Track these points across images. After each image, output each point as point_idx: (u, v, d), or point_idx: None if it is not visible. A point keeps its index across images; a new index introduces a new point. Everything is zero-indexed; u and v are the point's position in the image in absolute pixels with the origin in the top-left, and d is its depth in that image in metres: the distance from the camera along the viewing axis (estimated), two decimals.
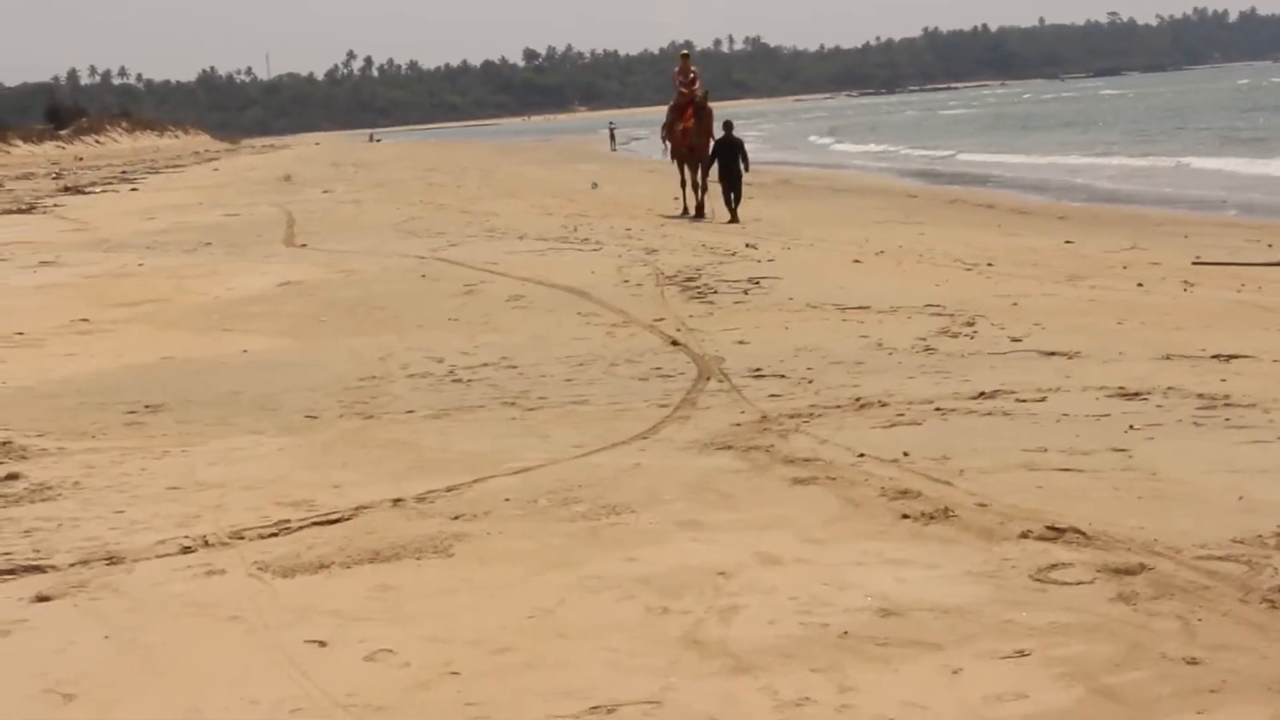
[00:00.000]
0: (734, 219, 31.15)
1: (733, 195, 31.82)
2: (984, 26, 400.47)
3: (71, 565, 8.03)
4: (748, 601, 6.98)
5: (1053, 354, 13.37)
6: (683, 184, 34.37)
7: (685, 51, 36.75)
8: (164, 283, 21.42)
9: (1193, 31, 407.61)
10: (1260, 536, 7.55)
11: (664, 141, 35.81)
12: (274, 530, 8.58)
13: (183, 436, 11.42)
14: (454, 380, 13.39)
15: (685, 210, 33.78)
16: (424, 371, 13.87)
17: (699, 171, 33.44)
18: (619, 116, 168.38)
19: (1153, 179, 45.86)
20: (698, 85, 34.48)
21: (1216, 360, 12.75)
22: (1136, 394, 11.40)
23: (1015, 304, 16.62)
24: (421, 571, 7.74)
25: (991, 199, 40.46)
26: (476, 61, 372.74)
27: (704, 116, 33.43)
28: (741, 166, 31.81)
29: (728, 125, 32.52)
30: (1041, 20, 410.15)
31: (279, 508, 9.08)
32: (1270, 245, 23.56)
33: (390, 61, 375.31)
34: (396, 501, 9.14)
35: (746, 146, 32.77)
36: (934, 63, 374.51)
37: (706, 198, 33.11)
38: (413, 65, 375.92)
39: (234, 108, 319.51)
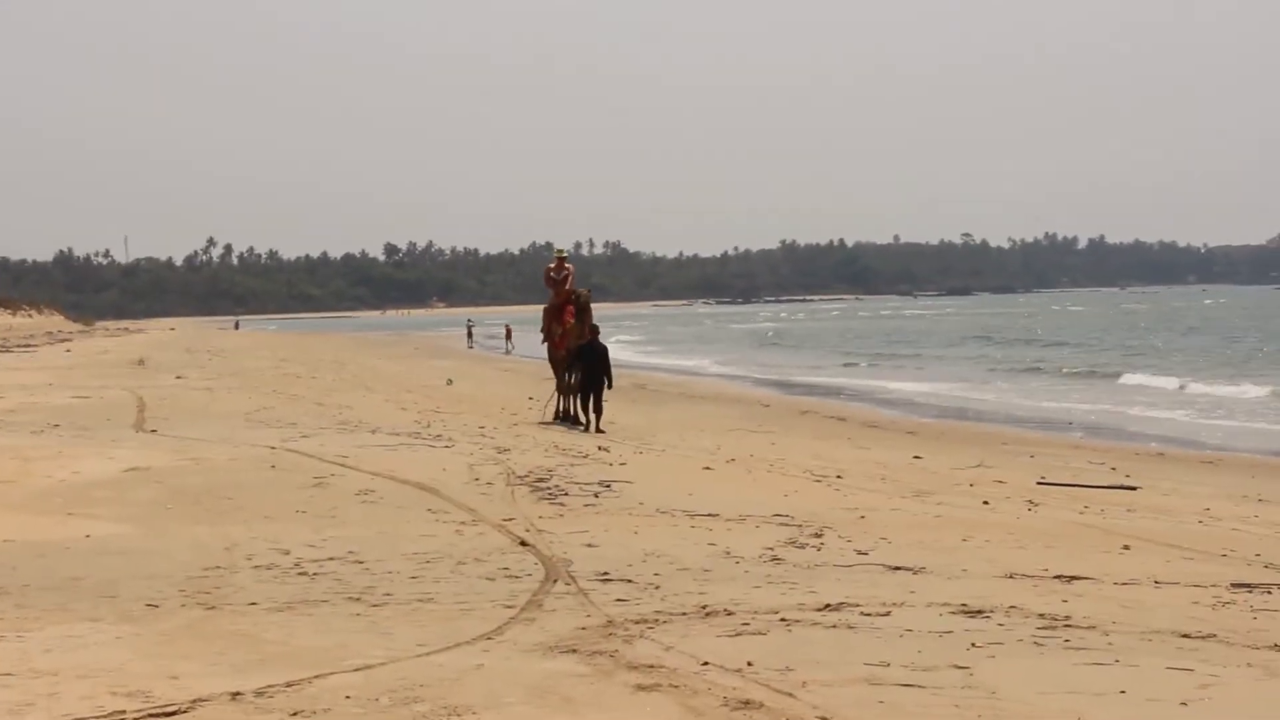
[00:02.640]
0: (596, 429, 29.71)
1: (593, 403, 30.40)
2: (840, 241, 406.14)
3: None
4: None
5: (898, 568, 13.50)
6: (558, 389, 32.81)
7: (562, 251, 35.20)
8: (8, 463, 21.07)
9: (1043, 256, 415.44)
10: None
11: (543, 344, 34.30)
12: None
13: (19, 621, 11.20)
14: (299, 573, 13.26)
15: (559, 415, 32.25)
16: (269, 563, 13.73)
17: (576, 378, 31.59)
18: (477, 313, 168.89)
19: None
20: (570, 283, 33.41)
21: (1058, 580, 12.94)
22: (979, 612, 11.52)
23: (863, 517, 16.78)
24: None
25: (844, 411, 40.96)
26: (336, 253, 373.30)
27: (585, 317, 32.17)
28: (606, 371, 30.48)
29: (594, 329, 31.54)
30: (896, 238, 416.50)
31: (114, 698, 8.92)
32: (1113, 468, 23.99)
33: (250, 249, 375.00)
34: (235, 695, 9.00)
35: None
36: (790, 274, 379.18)
37: (572, 400, 31.69)
38: (272, 254, 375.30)
39: (90, 289, 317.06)
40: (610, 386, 30.73)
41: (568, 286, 33.37)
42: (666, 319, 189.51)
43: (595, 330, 31.48)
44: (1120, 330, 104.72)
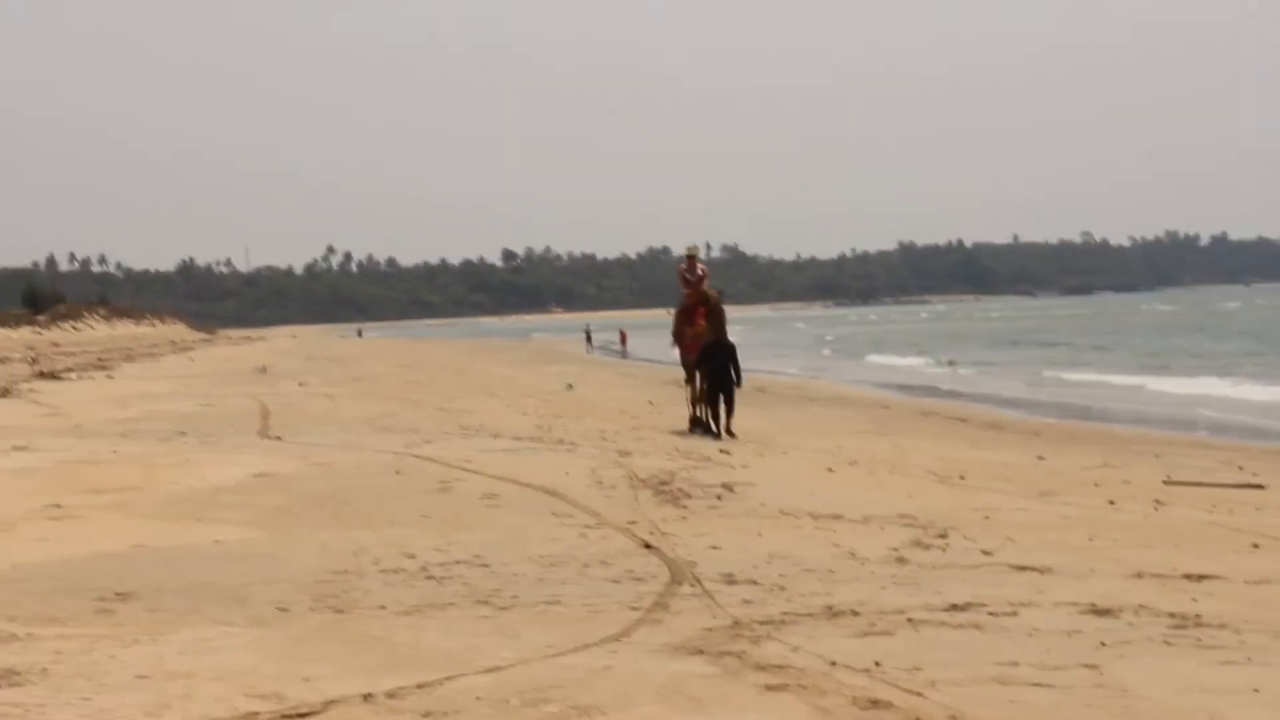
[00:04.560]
0: (726, 431, 28.74)
1: (724, 405, 29.26)
2: (959, 241, 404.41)
3: None
4: None
5: (1024, 568, 13.41)
6: (692, 398, 30.96)
7: (694, 248, 33.14)
8: (136, 470, 21.36)
9: (1164, 253, 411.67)
10: None
11: (673, 348, 32.63)
12: None
13: (153, 625, 11.35)
14: (426, 577, 13.35)
15: (695, 423, 30.50)
16: (396, 567, 13.83)
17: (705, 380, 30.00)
18: (595, 319, 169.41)
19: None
20: (706, 284, 31.79)
21: (1187, 579, 12.81)
22: (1108, 611, 11.43)
23: (987, 517, 16.69)
24: None
25: (965, 413, 40.76)
26: (455, 260, 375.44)
27: (716, 318, 30.36)
28: (733, 374, 29.31)
29: (720, 327, 30.02)
30: (1015, 237, 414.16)
31: (248, 699, 9.03)
32: (1241, 467, 23.74)
33: (369, 257, 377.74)
34: (367, 697, 9.08)
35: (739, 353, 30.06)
36: (908, 276, 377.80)
37: (703, 407, 30.09)
38: (390, 262, 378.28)
39: (211, 298, 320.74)
40: (739, 385, 29.58)
41: (703, 285, 31.85)
42: (761, 324, 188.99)
43: (723, 329, 30.00)
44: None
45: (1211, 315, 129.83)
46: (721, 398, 29.40)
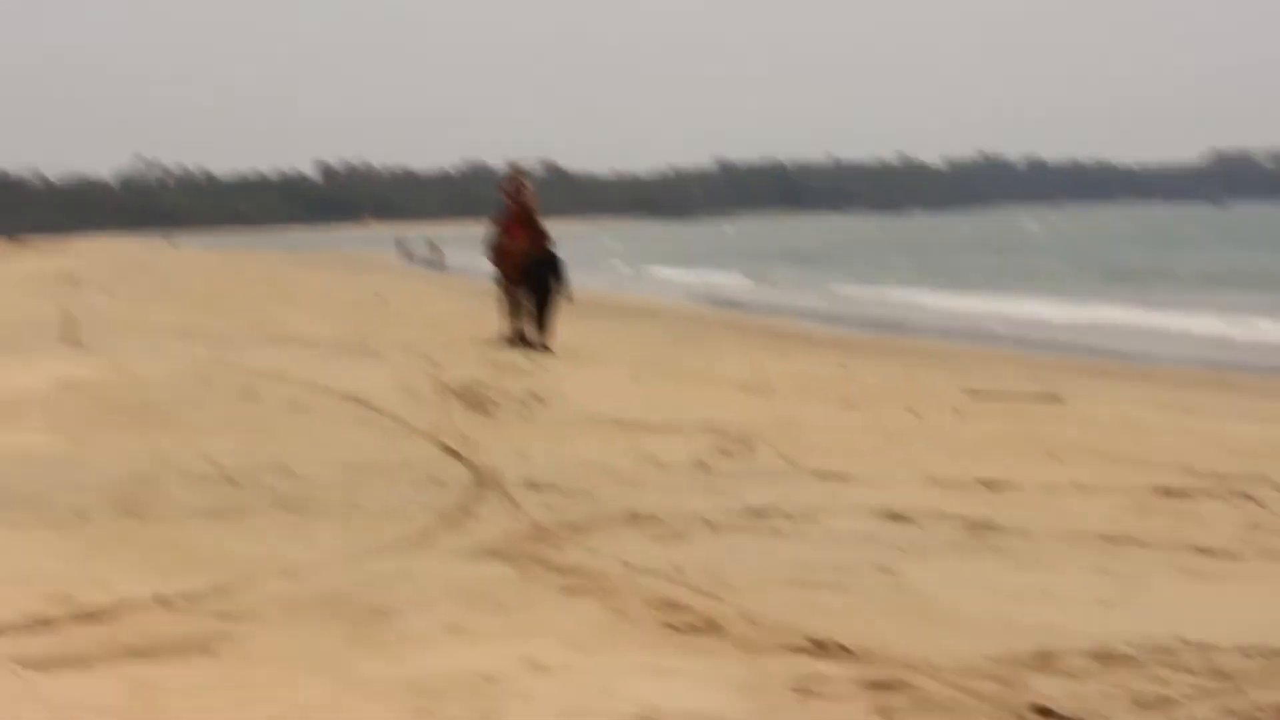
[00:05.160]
0: (546, 344, 28.13)
1: (547, 317, 28.66)
2: (776, 160, 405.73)
3: None
4: (512, 707, 6.98)
5: (825, 475, 13.55)
6: (504, 307, 30.11)
7: (515, 165, 32.48)
8: None
9: (978, 175, 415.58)
10: (1017, 656, 7.72)
11: (489, 260, 31.16)
12: (33, 625, 8.42)
13: None
14: (229, 483, 13.24)
15: (507, 337, 29.54)
16: (199, 473, 13.70)
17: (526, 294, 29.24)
18: (411, 231, 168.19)
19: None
20: (526, 197, 30.42)
21: (983, 486, 13.02)
22: (904, 517, 11.59)
23: (790, 426, 16.84)
24: (183, 670, 7.65)
25: (774, 324, 41.10)
26: (270, 171, 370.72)
27: (535, 229, 29.67)
28: (554, 284, 28.72)
29: (545, 237, 29.31)
30: (831, 156, 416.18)
31: (40, 602, 8.90)
32: (1041, 380, 24.13)
33: (181, 167, 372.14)
34: (161, 599, 9.02)
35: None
36: (727, 193, 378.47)
37: (524, 319, 29.24)
38: (203, 171, 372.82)
39: (19, 207, 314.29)
40: (567, 299, 29.08)
41: (524, 199, 30.58)
42: (616, 236, 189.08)
43: (546, 238, 29.45)
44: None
45: (1013, 234, 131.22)
46: (545, 309, 28.88)
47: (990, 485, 13.08)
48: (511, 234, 29.92)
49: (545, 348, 27.89)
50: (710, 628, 8.31)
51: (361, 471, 13.73)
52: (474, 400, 18.91)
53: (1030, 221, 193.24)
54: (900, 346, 34.10)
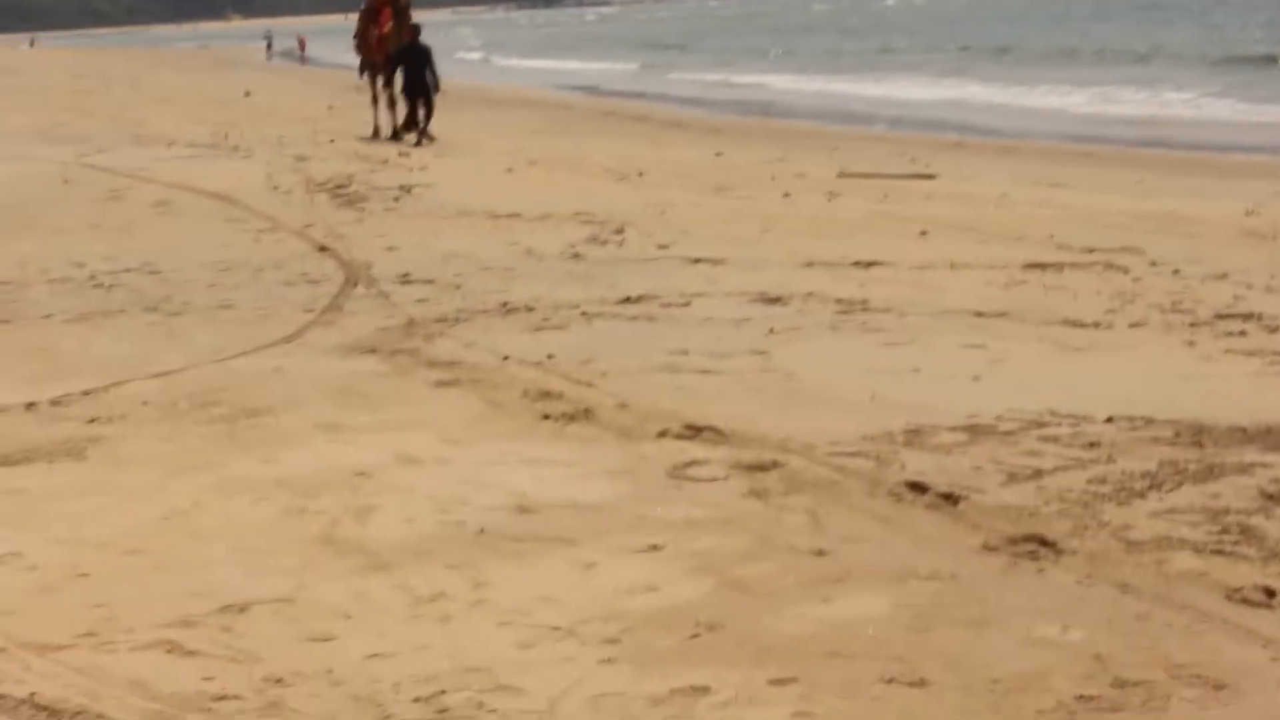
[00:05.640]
0: (422, 136, 27.52)
1: (421, 109, 27.93)
2: None
3: None
4: (385, 501, 6.96)
5: (698, 261, 13.53)
6: (374, 100, 29.55)
7: None
8: None
9: None
10: (890, 433, 7.77)
11: (357, 53, 30.50)
12: None
13: None
14: (95, 285, 13.08)
15: (377, 132, 29.05)
16: (64, 277, 13.52)
17: (393, 84, 28.59)
18: (276, 25, 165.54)
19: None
20: None
21: (856, 267, 13.05)
22: (778, 299, 11.61)
23: (663, 213, 16.78)
24: (53, 475, 7.58)
25: (646, 112, 40.84)
26: None
27: (404, 19, 28.80)
28: (430, 76, 27.76)
29: (414, 29, 28.54)
30: None
31: None
32: (913, 159, 24.16)
33: None
34: (30, 405, 8.92)
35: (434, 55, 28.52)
36: None
37: (396, 112, 28.70)
38: None
39: None
40: (437, 90, 28.27)
41: None
42: (477, 25, 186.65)
43: (416, 30, 28.58)
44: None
45: (869, 15, 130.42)
46: (419, 101, 28.36)
47: (863, 265, 13.09)
48: (380, 25, 29.34)
49: (427, 137, 27.42)
50: (585, 416, 8.31)
51: (231, 271, 13.59)
52: (344, 196, 18.71)
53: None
54: (774, 130, 33.94)
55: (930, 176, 21.22)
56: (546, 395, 8.78)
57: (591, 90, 55.12)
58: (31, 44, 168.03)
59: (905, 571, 5.94)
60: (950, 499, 6.72)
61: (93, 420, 8.55)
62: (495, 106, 42.41)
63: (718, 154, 25.84)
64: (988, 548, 6.16)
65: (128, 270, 13.72)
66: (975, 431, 7.80)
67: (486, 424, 8.28)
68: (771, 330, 10.52)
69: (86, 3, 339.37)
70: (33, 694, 5.07)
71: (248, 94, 47.44)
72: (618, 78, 62.97)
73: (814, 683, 5.00)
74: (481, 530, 6.53)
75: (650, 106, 43.73)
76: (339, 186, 19.57)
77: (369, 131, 28.96)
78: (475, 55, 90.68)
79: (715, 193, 19.21)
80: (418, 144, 26.94)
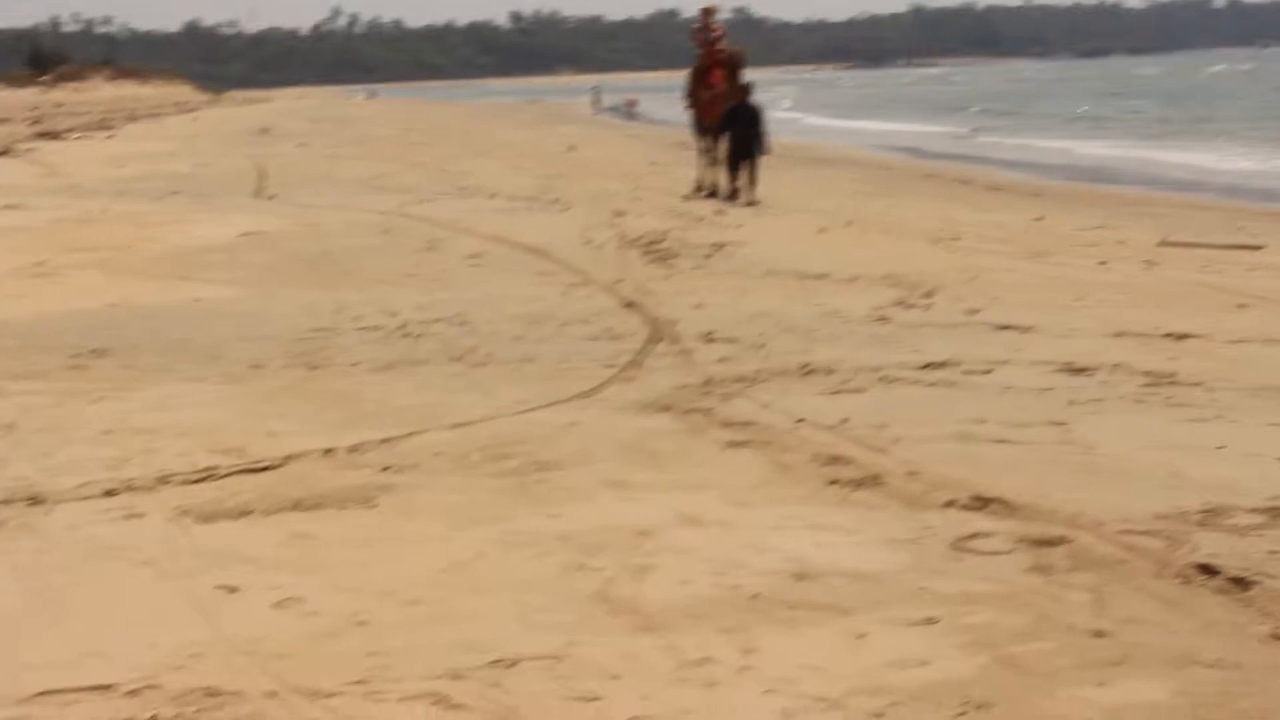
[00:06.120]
0: (748, 198, 26.82)
1: (746, 171, 27.24)
2: (970, 4, 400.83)
3: None
4: (663, 561, 6.95)
5: (1006, 328, 13.32)
6: (706, 160, 28.90)
7: (709, 7, 29.97)
8: (126, 230, 21.29)
9: (1178, 16, 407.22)
10: (1185, 512, 7.54)
11: (687, 110, 30.03)
12: (200, 476, 8.54)
13: (124, 382, 11.34)
14: (404, 335, 13.32)
15: (701, 189, 28.65)
16: (375, 325, 13.79)
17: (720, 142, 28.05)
18: (604, 80, 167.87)
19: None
20: (722, 44, 29.22)
21: (1168, 339, 12.73)
22: (1083, 369, 11.37)
23: (975, 278, 16.58)
24: (343, 522, 7.71)
25: (968, 175, 40.46)
26: (462, 22, 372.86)
27: (735, 78, 28.32)
28: (758, 138, 27.15)
29: (745, 88, 28.01)
30: (1027, 0, 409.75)
31: (209, 454, 9.03)
32: (1241, 228, 23.58)
33: (376, 18, 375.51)
34: (328, 451, 9.09)
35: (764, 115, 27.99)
36: (919, 38, 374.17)
37: (721, 171, 28.13)
38: (397, 23, 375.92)
39: (217, 60, 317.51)
40: (765, 152, 27.58)
41: (718, 46, 29.41)
42: (800, 84, 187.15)
43: (747, 90, 28.07)
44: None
45: (1194, 83, 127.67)
46: (745, 164, 28.04)
47: (1175, 337, 12.78)
48: (710, 83, 29.27)
49: (750, 200, 27.17)
50: (872, 482, 8.21)
51: (538, 324, 13.73)
52: (656, 252, 18.82)
53: (1237, 63, 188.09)
54: (1098, 195, 33.37)
55: (1257, 247, 20.65)
56: (836, 460, 8.70)
57: (915, 152, 54.87)
58: (370, 95, 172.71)
59: (1188, 658, 5.74)
60: (1241, 584, 6.49)
61: (386, 469, 8.69)
62: (818, 165, 42.36)
63: (1037, 219, 25.48)
64: (1277, 637, 5.93)
65: (438, 320, 13.95)
66: (1276, 514, 7.53)
67: (772, 487, 8.23)
68: (1073, 402, 10.29)
69: (422, 56, 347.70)
70: None
71: (571, 148, 48.14)
72: (940, 140, 62.55)
73: None
74: (756, 595, 6.48)
75: (972, 169, 43.35)
76: (652, 242, 19.69)
77: (691, 189, 28.95)
78: (785, 114, 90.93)
79: (1031, 258, 18.93)
80: (746, 203, 26.72)
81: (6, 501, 8.04)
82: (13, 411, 10.26)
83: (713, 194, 28.09)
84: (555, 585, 6.68)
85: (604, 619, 6.26)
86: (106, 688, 5.66)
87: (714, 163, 28.70)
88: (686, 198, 27.86)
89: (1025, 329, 13.26)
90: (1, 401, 10.61)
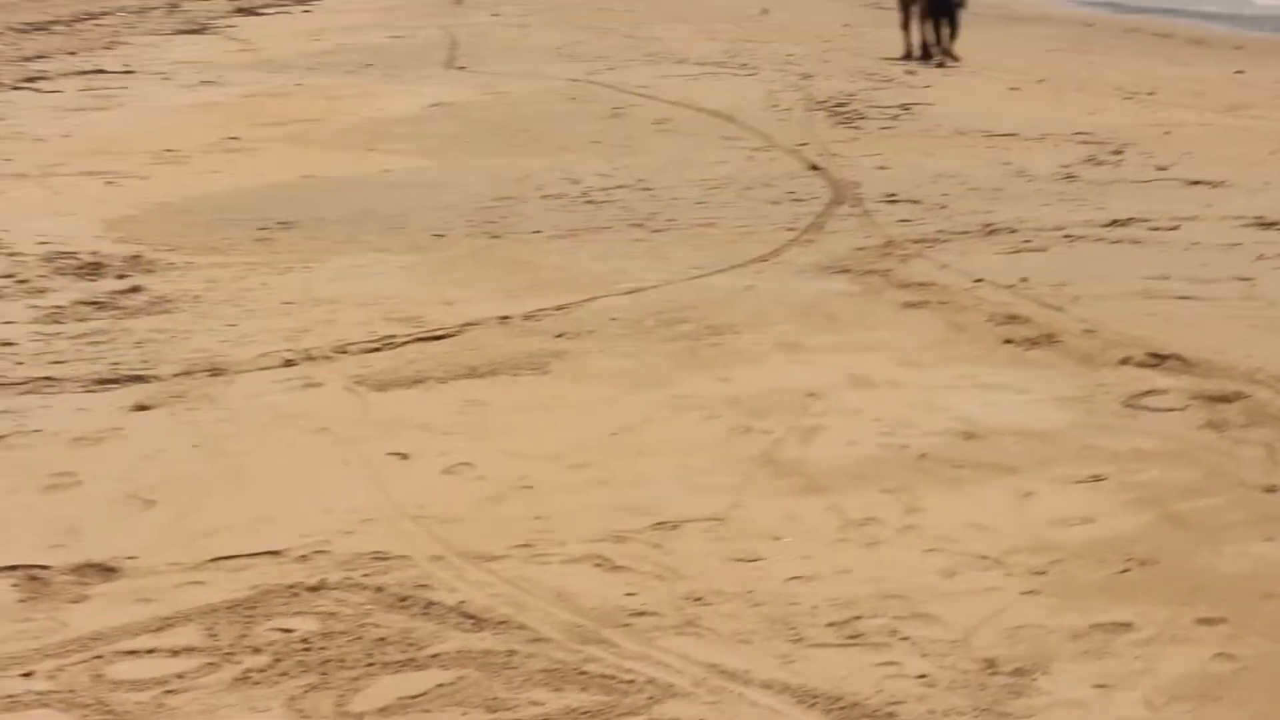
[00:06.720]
0: (947, 56, 25.93)
1: (946, 28, 26.20)
2: None
3: (175, 376, 8.15)
4: (831, 423, 6.94)
5: (1196, 183, 13.07)
6: (904, 23, 27.46)
7: None
8: (318, 103, 21.44)
9: None
10: None
11: None
12: (377, 345, 8.65)
13: (309, 253, 11.47)
14: (586, 202, 13.33)
15: (908, 53, 27.08)
16: (558, 193, 13.81)
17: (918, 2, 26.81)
18: None
19: None
20: None
21: None
22: (1274, 224, 11.15)
23: (1168, 133, 16.25)
24: (515, 388, 7.78)
25: (1169, 29, 39.51)
26: None
27: None
28: None
29: None
30: None
31: (387, 323, 9.14)
32: None
33: None
34: (504, 319, 9.15)
35: None
36: None
37: (922, 30, 26.81)
38: None
39: None
40: (963, 7, 26.38)
41: None
42: None
43: None
44: None
45: None
46: (943, 21, 27.60)
47: None
48: None
49: (952, 57, 26.64)
50: (1047, 340, 8.15)
51: (720, 189, 13.68)
52: (842, 114, 18.63)
53: None
54: None
55: None
56: (1012, 319, 8.61)
57: (1115, 6, 53.69)
58: None
59: None
60: None
61: (560, 335, 8.74)
62: (1013, 23, 41.55)
63: (1238, 72, 24.87)
64: None
65: (620, 187, 13.94)
66: None
67: (946, 347, 8.18)
68: (1261, 256, 10.09)
69: None
70: (461, 602, 5.22)
71: (764, 11, 47.64)
72: None
73: (1243, 624, 4.81)
74: (923, 455, 6.45)
75: (1175, 23, 42.34)
76: (838, 105, 19.49)
77: (894, 53, 28.27)
78: None
79: (1227, 112, 18.49)
80: (939, 65, 26.29)
81: (188, 373, 8.20)
82: (199, 285, 10.42)
83: (918, 54, 27.45)
84: (721, 448, 6.70)
85: (769, 481, 6.28)
86: (278, 553, 5.78)
87: (911, 22, 28.06)
88: (877, 59, 27.31)
89: (1216, 184, 13.00)
90: (190, 275, 10.77)
